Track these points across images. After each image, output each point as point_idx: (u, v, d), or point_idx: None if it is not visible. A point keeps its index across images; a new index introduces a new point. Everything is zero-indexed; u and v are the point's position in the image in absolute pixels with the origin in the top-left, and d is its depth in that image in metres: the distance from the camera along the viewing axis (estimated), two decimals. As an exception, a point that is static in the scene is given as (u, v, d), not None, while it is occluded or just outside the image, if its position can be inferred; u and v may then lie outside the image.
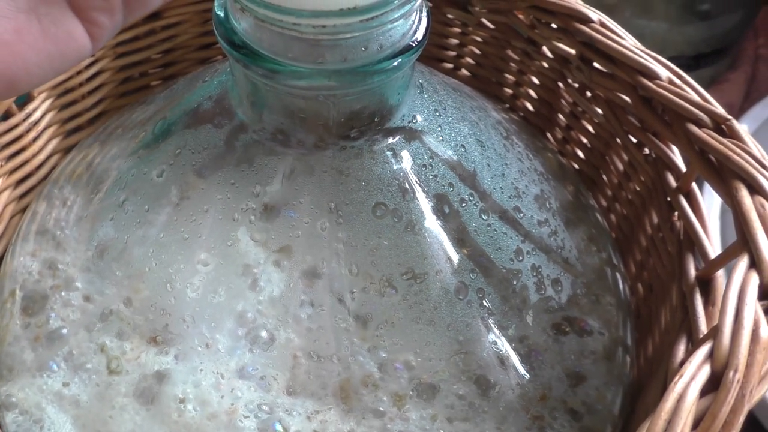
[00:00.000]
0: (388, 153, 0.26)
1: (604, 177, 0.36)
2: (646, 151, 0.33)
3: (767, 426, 0.37)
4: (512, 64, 0.39)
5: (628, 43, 0.33)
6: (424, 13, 0.24)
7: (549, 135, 0.39)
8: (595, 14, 0.34)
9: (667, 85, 0.31)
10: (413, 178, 0.26)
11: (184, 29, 0.39)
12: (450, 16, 0.39)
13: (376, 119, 0.25)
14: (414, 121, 0.27)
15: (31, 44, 0.25)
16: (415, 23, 0.24)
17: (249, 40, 0.23)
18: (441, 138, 0.27)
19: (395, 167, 0.26)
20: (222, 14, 0.24)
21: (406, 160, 0.26)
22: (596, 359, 0.31)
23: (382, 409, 0.28)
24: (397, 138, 0.26)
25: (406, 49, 0.24)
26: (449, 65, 0.41)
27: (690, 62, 0.64)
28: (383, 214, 0.26)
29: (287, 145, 0.25)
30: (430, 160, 0.27)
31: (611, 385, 0.31)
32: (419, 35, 0.24)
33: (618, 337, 0.32)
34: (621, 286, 0.33)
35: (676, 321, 0.28)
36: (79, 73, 0.36)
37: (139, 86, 0.39)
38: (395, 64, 0.23)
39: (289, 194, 0.26)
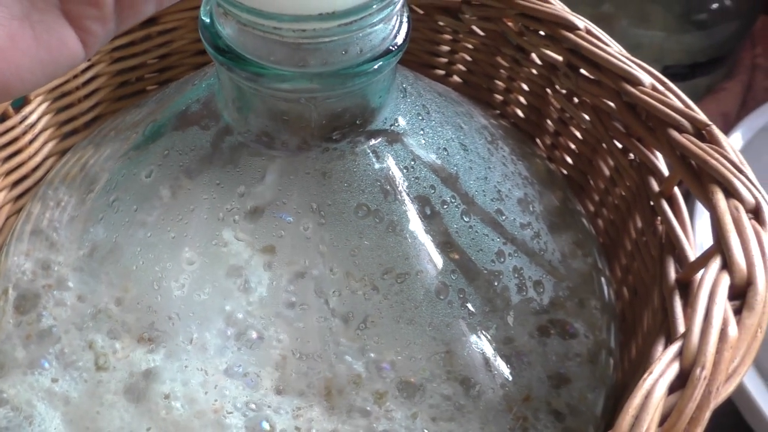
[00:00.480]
0: (370, 155, 0.27)
1: (592, 182, 0.37)
2: (631, 156, 0.34)
3: (753, 425, 0.37)
4: (502, 71, 0.39)
5: (613, 50, 0.33)
6: (405, 18, 0.25)
7: (538, 141, 0.39)
8: (581, 22, 0.35)
9: (650, 92, 0.32)
10: (395, 179, 0.27)
11: (179, 35, 0.39)
12: (441, 23, 0.39)
13: (358, 122, 0.26)
14: (396, 123, 0.27)
15: (24, 51, 0.25)
16: (396, 27, 0.24)
17: (233, 45, 0.24)
18: (423, 141, 0.28)
19: (377, 169, 0.27)
20: (207, 20, 0.24)
21: (388, 162, 0.27)
22: (581, 362, 0.31)
23: (368, 408, 0.28)
24: (379, 140, 0.27)
25: (387, 53, 0.24)
26: (441, 71, 0.41)
27: (687, 71, 0.64)
28: (365, 215, 0.26)
29: (271, 147, 0.26)
30: (412, 163, 0.27)
31: (595, 387, 0.31)
32: (399, 39, 0.25)
33: (602, 340, 0.32)
34: (606, 290, 0.34)
35: (657, 323, 0.29)
36: (75, 77, 0.37)
37: (135, 90, 0.40)
38: (375, 67, 0.24)
39: (273, 195, 0.26)
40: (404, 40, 0.25)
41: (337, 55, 0.23)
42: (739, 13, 0.63)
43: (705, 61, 0.64)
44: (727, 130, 0.59)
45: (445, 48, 0.41)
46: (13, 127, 0.35)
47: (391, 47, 0.24)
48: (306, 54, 0.23)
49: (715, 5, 0.63)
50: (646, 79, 0.32)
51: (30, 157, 0.36)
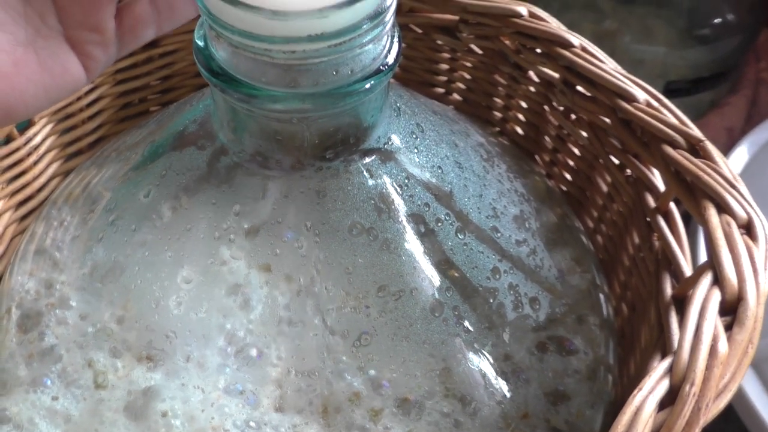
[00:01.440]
0: (364, 173, 0.27)
1: (590, 198, 0.37)
2: (628, 172, 0.34)
3: (746, 421, 0.37)
4: (500, 89, 0.39)
5: (608, 67, 0.34)
6: (396, 37, 0.25)
7: (537, 157, 0.39)
8: (576, 39, 0.35)
9: (645, 108, 0.32)
10: (389, 197, 0.27)
11: (181, 56, 0.40)
12: (439, 42, 0.40)
13: (351, 140, 0.26)
14: (390, 142, 0.28)
15: (29, 76, 0.26)
16: (386, 47, 0.25)
17: (226, 67, 0.24)
18: (418, 159, 0.28)
19: (371, 187, 0.27)
20: (201, 43, 0.25)
21: (382, 180, 0.27)
22: (579, 378, 0.31)
23: (366, 425, 0.28)
24: (372, 158, 0.27)
25: (377, 72, 0.24)
26: (440, 89, 0.42)
27: (690, 86, 0.65)
28: (359, 233, 0.26)
29: (266, 166, 0.26)
30: (406, 180, 0.28)
31: (593, 403, 0.31)
32: (390, 59, 0.25)
33: (601, 356, 0.32)
34: (605, 306, 0.34)
35: (653, 339, 0.29)
36: (79, 98, 0.37)
37: (138, 112, 0.40)
38: (367, 86, 0.24)
39: (268, 214, 0.27)
40: (395, 60, 0.25)
41: (328, 76, 0.24)
42: (742, 28, 0.63)
43: (708, 76, 0.64)
44: (731, 144, 0.59)
45: (444, 66, 0.41)
46: (17, 149, 0.35)
47: (381, 67, 0.25)
48: (297, 75, 0.23)
49: (717, 20, 0.63)
50: (641, 96, 0.32)
51: (34, 178, 0.36)
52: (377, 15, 0.23)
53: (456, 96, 0.42)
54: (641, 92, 0.32)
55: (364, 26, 0.23)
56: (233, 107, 0.26)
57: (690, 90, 0.64)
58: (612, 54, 0.68)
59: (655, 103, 0.32)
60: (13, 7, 0.26)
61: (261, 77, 0.24)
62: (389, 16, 0.24)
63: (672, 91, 0.63)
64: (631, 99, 0.32)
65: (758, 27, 0.64)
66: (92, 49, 0.27)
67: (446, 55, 0.40)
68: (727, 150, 0.57)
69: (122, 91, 0.39)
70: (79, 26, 0.27)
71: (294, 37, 0.22)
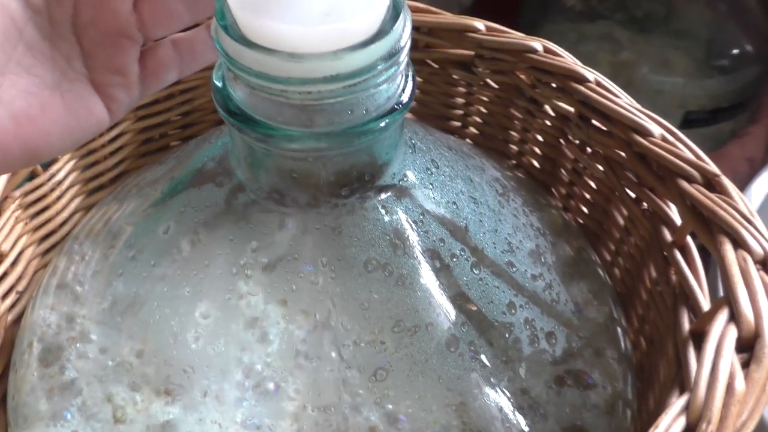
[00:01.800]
0: (380, 209, 0.27)
1: (607, 231, 0.37)
2: (644, 206, 0.34)
3: None
4: (516, 122, 0.40)
5: (623, 102, 0.34)
6: (410, 76, 0.26)
7: (554, 190, 0.40)
8: (591, 74, 0.35)
9: (660, 142, 0.32)
10: (404, 233, 0.27)
11: (201, 93, 0.41)
12: (455, 76, 0.40)
13: (366, 177, 0.27)
14: (405, 178, 0.28)
15: (54, 119, 0.27)
16: (401, 85, 0.25)
17: (244, 106, 0.25)
18: (433, 195, 0.28)
19: (386, 223, 0.27)
20: (220, 83, 0.25)
21: (397, 216, 0.27)
22: (598, 413, 0.31)
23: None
24: (387, 195, 0.27)
25: (392, 111, 0.25)
26: (457, 123, 0.42)
27: (709, 116, 0.64)
28: (374, 268, 0.27)
29: (282, 203, 0.27)
30: (421, 216, 0.28)
31: (612, 438, 0.31)
32: (405, 97, 0.25)
33: (619, 390, 0.32)
34: (623, 340, 0.34)
35: (672, 374, 0.29)
36: (101, 135, 0.38)
37: (159, 147, 0.41)
38: (381, 125, 0.25)
39: (285, 250, 0.27)
40: (409, 98, 0.25)
41: (343, 115, 0.24)
42: (761, 58, 0.63)
43: (728, 106, 0.64)
44: (752, 174, 0.59)
45: (460, 100, 0.41)
46: (41, 185, 0.36)
47: (396, 106, 0.25)
48: (313, 114, 0.24)
49: (735, 50, 0.63)
50: (656, 130, 0.32)
51: (57, 213, 0.37)
52: (391, 56, 0.24)
53: (472, 129, 0.42)
54: (656, 126, 0.33)
55: (379, 67, 0.23)
56: (250, 146, 0.26)
57: (709, 120, 0.64)
58: (630, 85, 0.69)
59: (670, 137, 0.32)
60: (42, 51, 0.27)
61: (277, 117, 0.24)
62: (403, 56, 0.24)
63: (691, 121, 0.63)
64: (646, 133, 0.32)
65: (776, 57, 0.64)
66: (116, 91, 0.28)
67: (462, 90, 0.41)
68: (748, 180, 0.57)
69: (143, 126, 0.40)
70: (104, 69, 0.28)
71: (309, 78, 0.23)
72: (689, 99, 0.64)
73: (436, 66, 0.40)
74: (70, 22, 0.27)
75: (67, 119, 0.27)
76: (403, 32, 0.24)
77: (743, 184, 0.57)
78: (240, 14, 0.23)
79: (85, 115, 0.28)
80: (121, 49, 0.28)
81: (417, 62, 0.40)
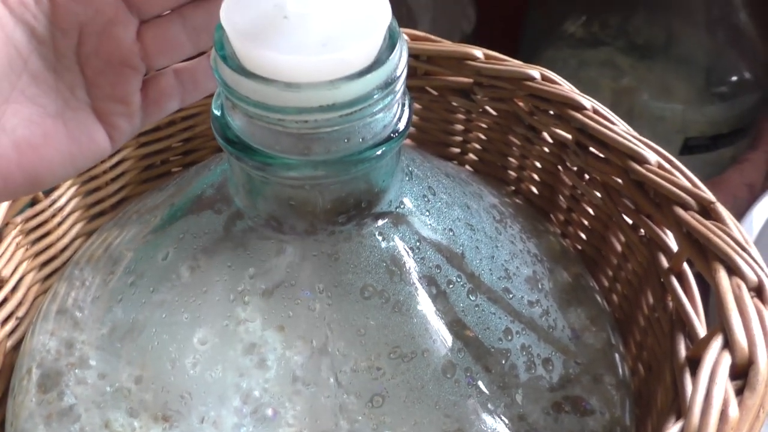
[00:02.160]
0: (376, 236, 0.27)
1: (605, 257, 0.37)
2: (641, 232, 0.34)
3: None
4: (515, 149, 0.40)
5: (620, 129, 0.34)
6: (407, 104, 0.26)
7: (552, 216, 0.40)
8: (588, 102, 0.35)
9: (656, 169, 0.32)
10: (401, 260, 0.28)
11: (202, 119, 0.41)
12: (454, 103, 0.40)
13: (363, 205, 0.27)
14: (402, 206, 0.28)
15: (57, 147, 0.27)
16: (398, 113, 0.26)
17: (242, 135, 0.25)
18: (429, 222, 0.29)
19: (383, 250, 0.27)
20: (218, 112, 0.26)
21: (394, 243, 0.28)
22: (596, 440, 0.31)
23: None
24: (384, 222, 0.28)
25: (388, 139, 0.25)
26: (456, 149, 0.43)
27: (710, 142, 0.65)
28: (371, 295, 0.27)
29: (280, 230, 0.27)
30: (418, 243, 0.28)
31: (610, 465, 0.31)
32: (401, 125, 0.26)
33: (617, 417, 0.32)
34: (620, 365, 0.34)
35: (669, 401, 0.29)
36: (103, 161, 0.39)
37: (160, 173, 0.41)
38: (378, 153, 0.25)
39: (282, 277, 0.27)
40: (406, 126, 0.26)
41: (339, 144, 0.24)
42: (759, 85, 0.63)
43: (728, 132, 0.64)
44: (752, 200, 0.59)
45: (460, 127, 0.42)
46: (42, 211, 0.36)
47: (392, 134, 0.25)
48: (310, 143, 0.24)
49: (734, 77, 0.64)
50: (652, 157, 0.33)
51: (58, 239, 0.37)
52: (387, 85, 0.24)
53: (472, 156, 0.42)
54: (653, 154, 0.33)
55: (375, 96, 0.24)
56: (248, 173, 0.26)
57: (709, 146, 0.64)
58: (631, 111, 0.69)
59: (666, 165, 0.32)
60: (45, 81, 0.27)
61: (275, 145, 0.24)
62: (399, 85, 0.25)
63: (691, 147, 0.63)
64: (642, 160, 0.33)
65: (775, 83, 0.64)
66: (118, 120, 0.29)
67: (462, 116, 0.41)
68: (748, 205, 0.57)
69: (145, 153, 0.40)
70: (106, 98, 0.28)
71: (306, 107, 0.23)
72: (690, 125, 0.64)
73: (435, 93, 0.41)
74: (74, 52, 0.28)
75: (69, 147, 0.28)
76: (399, 61, 0.24)
77: (743, 210, 0.57)
78: (238, 44, 0.23)
79: (87, 143, 0.28)
80: (123, 78, 0.28)
81: (417, 89, 0.40)
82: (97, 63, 0.28)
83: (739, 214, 0.57)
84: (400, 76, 0.24)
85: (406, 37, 0.39)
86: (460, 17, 0.70)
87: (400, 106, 0.26)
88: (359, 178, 0.26)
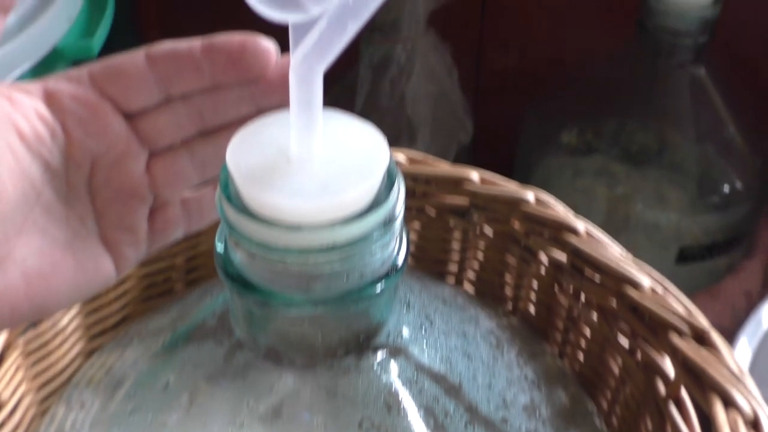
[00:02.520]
0: (375, 369, 0.28)
1: (604, 379, 0.37)
2: (638, 356, 0.34)
3: None
4: (512, 269, 0.41)
5: (613, 253, 0.35)
6: (404, 238, 0.27)
7: (550, 337, 0.40)
8: (582, 224, 0.36)
9: (651, 295, 0.33)
10: (399, 392, 0.28)
11: (205, 238, 0.42)
12: (452, 224, 0.41)
13: (361, 338, 0.27)
14: (399, 337, 0.28)
15: (64, 277, 0.28)
16: (395, 249, 0.26)
17: (243, 271, 0.26)
18: (426, 352, 0.29)
19: (381, 383, 0.28)
20: (221, 248, 0.26)
21: (392, 376, 0.28)
22: None
23: None
24: (382, 355, 0.28)
25: (387, 275, 0.26)
26: (453, 269, 0.43)
27: (705, 252, 0.65)
28: (368, 429, 0.27)
29: (279, 363, 0.27)
30: (415, 375, 0.28)
31: None
32: (399, 260, 0.26)
33: None
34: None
35: None
36: (106, 281, 0.39)
37: (162, 291, 0.42)
38: (377, 291, 0.25)
39: (281, 409, 0.27)
40: (404, 262, 0.26)
41: (339, 281, 0.25)
42: (751, 194, 0.65)
43: (722, 241, 0.65)
44: (750, 309, 0.59)
45: (457, 246, 0.42)
46: (44, 332, 0.37)
47: (391, 270, 0.26)
48: (310, 281, 0.25)
49: (726, 186, 0.65)
50: (646, 283, 0.33)
51: (58, 360, 0.38)
52: (386, 224, 0.25)
53: (469, 274, 0.43)
54: (647, 279, 0.33)
55: (374, 236, 0.24)
56: (248, 307, 0.27)
57: (705, 255, 0.65)
58: (627, 219, 0.70)
59: (660, 290, 0.33)
60: (57, 212, 0.28)
61: (276, 283, 0.25)
62: (398, 224, 0.25)
63: (687, 257, 0.64)
64: (636, 285, 0.33)
65: (766, 193, 0.65)
66: (125, 248, 0.29)
67: (459, 237, 0.42)
68: (746, 314, 0.57)
69: (147, 272, 0.41)
70: (114, 228, 0.29)
71: (307, 248, 0.24)
72: (685, 233, 0.65)
73: (433, 214, 0.42)
74: (85, 183, 0.29)
75: (76, 276, 0.28)
76: (397, 201, 0.25)
77: (741, 319, 0.57)
78: (242, 186, 0.24)
79: (93, 272, 0.29)
80: (132, 208, 0.29)
81: (415, 209, 0.41)
82: (107, 194, 0.29)
83: (738, 323, 0.58)
84: (398, 215, 0.25)
85: (404, 158, 0.40)
86: (458, 129, 0.72)
87: (398, 241, 0.26)
88: (358, 313, 0.27)
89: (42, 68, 0.50)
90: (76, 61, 0.54)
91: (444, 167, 0.40)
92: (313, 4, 0.21)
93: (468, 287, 0.43)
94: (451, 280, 0.43)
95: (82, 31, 0.53)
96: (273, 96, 0.28)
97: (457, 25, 0.75)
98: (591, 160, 0.71)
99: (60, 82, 0.28)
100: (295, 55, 0.23)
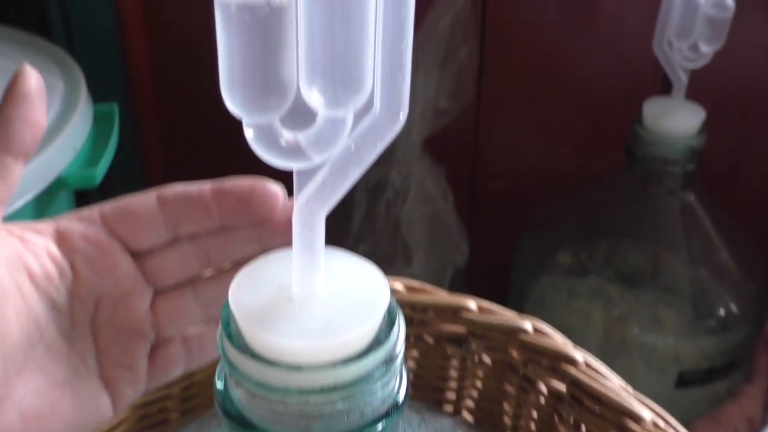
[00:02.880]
0: None
1: None
2: (642, 492, 0.34)
3: None
4: (511, 398, 0.40)
5: (613, 384, 0.35)
6: (404, 375, 0.27)
7: (551, 468, 0.39)
8: (580, 355, 0.36)
9: (652, 428, 0.32)
10: None
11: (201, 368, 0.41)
12: (450, 352, 0.41)
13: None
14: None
15: (62, 417, 0.27)
16: (396, 386, 0.26)
17: (242, 410, 0.25)
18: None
19: None
20: (221, 386, 0.26)
21: None
22: None
23: None
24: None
25: (387, 414, 0.26)
26: (452, 396, 0.43)
27: (704, 376, 0.65)
28: None
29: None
30: None
31: None
32: (400, 398, 0.26)
33: None
34: None
35: None
36: (101, 412, 0.39)
37: (157, 421, 0.41)
38: (378, 430, 0.25)
39: None
40: (404, 400, 0.26)
41: (339, 421, 0.25)
42: (748, 318, 0.65)
43: (721, 366, 0.65)
44: (753, 434, 0.58)
45: (455, 375, 0.42)
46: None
47: (391, 408, 0.26)
48: (310, 421, 0.25)
49: (722, 311, 0.65)
50: (647, 415, 0.33)
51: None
52: (387, 363, 0.25)
53: (468, 402, 0.43)
54: (647, 411, 0.33)
55: (375, 375, 0.24)
56: (248, 446, 0.26)
57: (704, 380, 0.65)
58: (623, 342, 0.70)
59: (662, 424, 0.33)
60: (59, 350, 0.27)
61: (276, 423, 0.25)
62: (398, 362, 0.25)
63: (686, 381, 0.64)
64: (637, 419, 0.33)
65: (763, 317, 0.66)
66: (123, 386, 0.29)
67: (457, 365, 0.42)
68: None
69: (142, 402, 0.41)
70: (114, 365, 0.29)
71: (307, 389, 0.24)
72: (683, 357, 0.65)
73: (431, 342, 0.42)
74: (89, 320, 0.28)
75: (73, 416, 0.28)
76: (397, 340, 0.25)
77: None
78: (243, 326, 0.24)
79: (91, 411, 0.28)
80: (133, 345, 0.29)
81: (413, 337, 0.42)
82: (110, 331, 0.29)
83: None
84: (399, 353, 0.25)
85: (401, 286, 0.40)
86: (453, 250, 0.73)
87: (399, 378, 0.26)
88: (358, 452, 0.26)
89: (45, 197, 0.50)
90: (79, 190, 0.55)
91: (441, 295, 0.40)
92: (316, 153, 0.22)
93: (467, 416, 0.43)
94: (449, 408, 0.43)
95: (86, 160, 0.54)
96: (279, 237, 0.29)
97: (452, 150, 0.77)
98: (586, 281, 0.71)
99: (72, 222, 0.28)
100: (299, 200, 0.24)
